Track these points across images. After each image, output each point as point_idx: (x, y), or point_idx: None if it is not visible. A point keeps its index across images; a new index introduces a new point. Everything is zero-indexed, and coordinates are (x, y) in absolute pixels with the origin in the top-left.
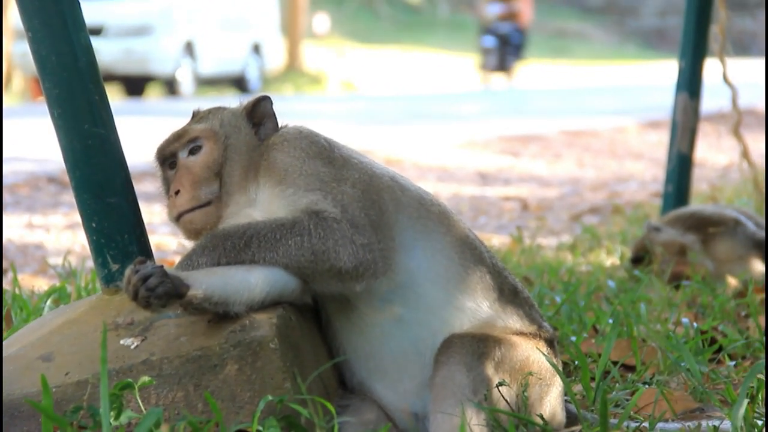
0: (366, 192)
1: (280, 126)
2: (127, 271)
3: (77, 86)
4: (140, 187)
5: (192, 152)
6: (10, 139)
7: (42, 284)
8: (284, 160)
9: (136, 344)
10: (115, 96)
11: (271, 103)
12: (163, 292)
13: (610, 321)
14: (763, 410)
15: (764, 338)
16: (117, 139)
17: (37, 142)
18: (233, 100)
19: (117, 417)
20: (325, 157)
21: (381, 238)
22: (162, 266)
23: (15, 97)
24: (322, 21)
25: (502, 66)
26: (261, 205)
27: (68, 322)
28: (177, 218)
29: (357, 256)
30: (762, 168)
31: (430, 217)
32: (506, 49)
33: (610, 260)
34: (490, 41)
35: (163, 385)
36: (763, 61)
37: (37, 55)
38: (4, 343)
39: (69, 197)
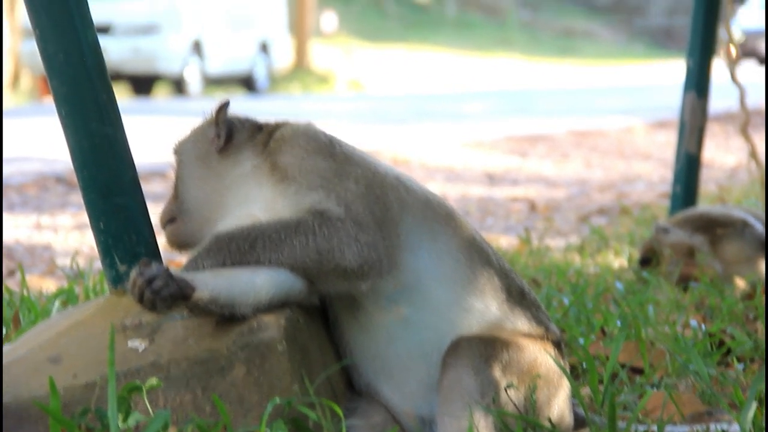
0: (369, 188)
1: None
2: (132, 274)
3: (85, 85)
4: (148, 187)
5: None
6: (18, 139)
7: (50, 285)
8: (284, 159)
9: (143, 346)
10: (122, 95)
11: (226, 108)
12: (168, 294)
13: (618, 323)
14: None
15: (765, 339)
16: (125, 139)
17: (45, 141)
18: (240, 100)
19: (125, 419)
20: (325, 152)
21: (385, 235)
22: (167, 268)
23: (23, 96)
24: (329, 19)
25: None
26: (264, 205)
27: (76, 324)
28: (163, 229)
29: (362, 255)
30: None
31: (436, 218)
32: None
33: (618, 262)
34: None
35: (171, 388)
36: None
37: (45, 54)
38: (12, 345)
39: (77, 197)
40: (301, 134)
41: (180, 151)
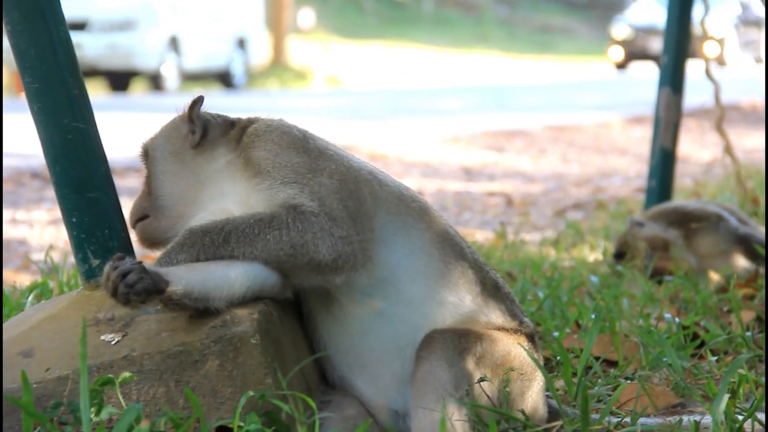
0: (343, 183)
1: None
2: (106, 268)
3: (56, 80)
4: (124, 183)
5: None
6: None
7: (25, 280)
8: (257, 154)
9: (116, 340)
10: (99, 91)
11: (201, 103)
12: (142, 289)
13: (593, 316)
14: (745, 405)
15: (764, 335)
16: (97, 134)
17: (21, 137)
18: (217, 95)
19: (97, 413)
20: (298, 147)
21: (359, 230)
22: (141, 262)
23: None
24: (307, 16)
25: None
26: (238, 199)
27: (49, 318)
28: (133, 227)
29: (336, 249)
30: (745, 163)
31: (409, 212)
32: None
33: (593, 256)
34: None
35: (144, 381)
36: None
37: (17, 50)
38: None
39: (52, 193)
40: (274, 129)
41: (152, 147)
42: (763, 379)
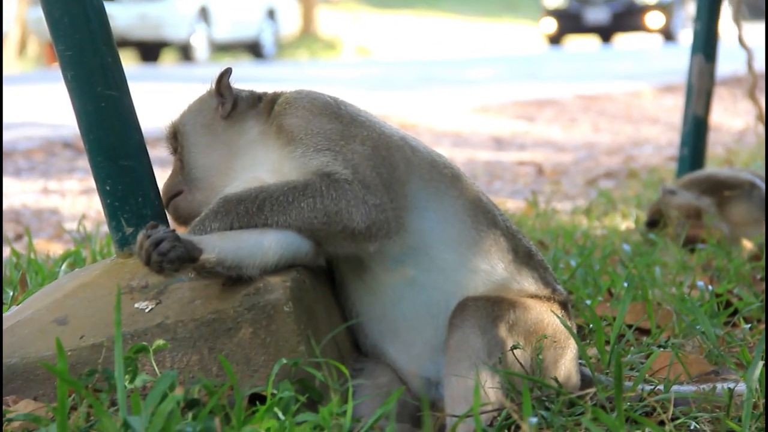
0: (376, 149)
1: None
2: (139, 236)
3: (90, 48)
4: (155, 153)
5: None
6: (25, 105)
7: (57, 249)
8: (289, 121)
9: (150, 307)
10: (129, 61)
11: (229, 75)
12: (175, 257)
13: (625, 284)
14: None
15: (764, 305)
16: (130, 102)
17: (52, 107)
18: (247, 66)
19: (132, 380)
20: (330, 113)
21: (393, 197)
22: (174, 230)
23: (30, 63)
24: None
25: None
26: (271, 168)
27: (82, 286)
28: (166, 206)
29: (370, 217)
30: None
31: (442, 179)
32: None
33: (625, 224)
34: None
35: (178, 349)
36: None
37: (50, 18)
38: (19, 307)
39: (84, 162)
40: (305, 96)
41: (182, 122)
42: None
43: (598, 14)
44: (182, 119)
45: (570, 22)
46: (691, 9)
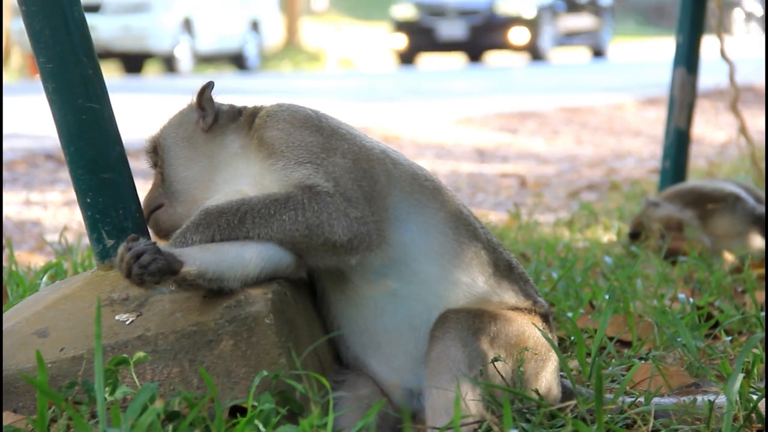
0: (357, 162)
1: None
2: (120, 249)
3: (71, 60)
4: (138, 164)
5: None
6: (7, 116)
7: (39, 261)
8: (270, 134)
9: (131, 320)
10: (113, 73)
11: (211, 88)
12: (156, 269)
13: (607, 297)
14: (759, 385)
15: (765, 313)
16: (111, 114)
17: (34, 119)
18: (230, 77)
19: (112, 392)
20: (311, 126)
21: (374, 210)
22: (155, 243)
23: (13, 74)
24: None
25: None
26: (253, 180)
27: (63, 298)
28: (147, 220)
29: (351, 229)
30: (760, 144)
31: (423, 192)
32: None
33: (607, 236)
34: None
35: (159, 361)
36: (762, 36)
37: (31, 30)
38: None
39: (66, 174)
40: (286, 109)
41: (163, 136)
42: None
43: (453, 29)
44: (163, 133)
45: (422, 38)
46: (566, 23)
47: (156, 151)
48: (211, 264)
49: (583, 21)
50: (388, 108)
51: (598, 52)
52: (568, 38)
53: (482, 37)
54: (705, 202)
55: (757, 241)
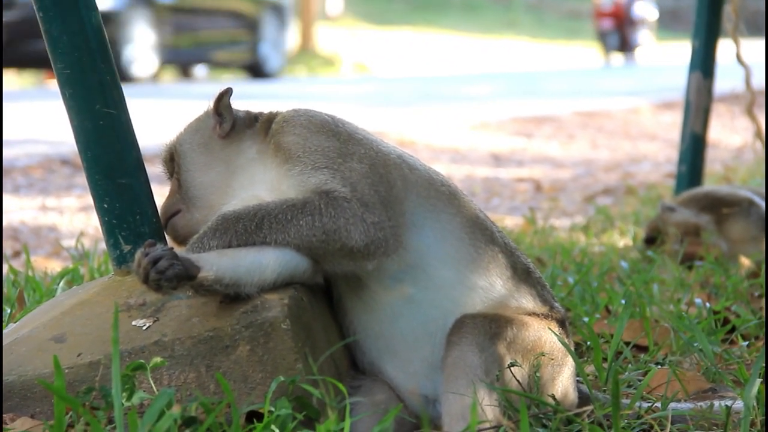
0: (373, 167)
1: (252, 113)
2: (137, 254)
3: (88, 66)
4: (153, 170)
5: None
6: (24, 122)
7: (55, 266)
8: (287, 139)
9: (148, 325)
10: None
11: (229, 95)
12: (173, 275)
13: (623, 301)
14: None
15: (764, 314)
16: (128, 120)
17: (50, 124)
18: (245, 83)
19: (129, 398)
20: (328, 131)
21: (391, 215)
22: (172, 248)
23: (29, 80)
24: (335, 2)
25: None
26: (270, 186)
27: (80, 303)
28: (165, 226)
29: (368, 235)
30: None
31: (439, 197)
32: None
33: (623, 241)
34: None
35: (175, 366)
36: None
37: (49, 36)
38: (16, 324)
39: (82, 179)
40: (302, 114)
41: (179, 143)
42: None
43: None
44: (179, 139)
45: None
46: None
47: (172, 158)
48: (228, 269)
49: None
50: (403, 113)
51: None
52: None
53: None
54: (720, 207)
55: (766, 245)
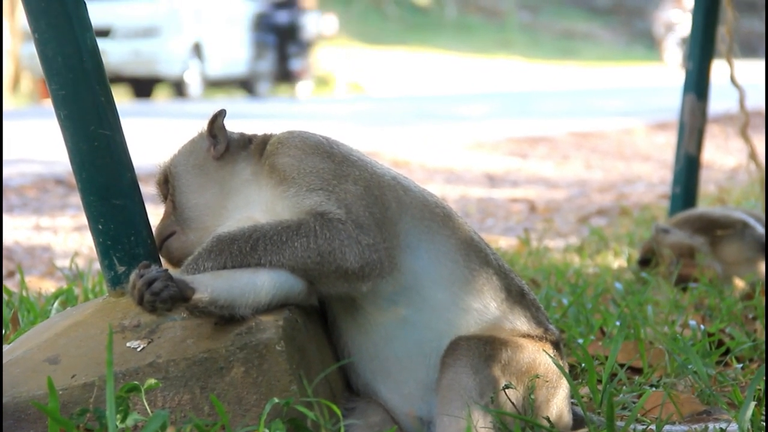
0: (368, 189)
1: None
2: (132, 276)
3: (83, 87)
4: (148, 189)
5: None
6: (18, 141)
7: (49, 286)
8: (282, 161)
9: (142, 347)
10: (123, 98)
11: (223, 116)
12: (168, 296)
13: (618, 323)
14: None
15: (765, 333)
16: (123, 141)
17: (44, 143)
18: (240, 102)
19: (123, 420)
20: (322, 152)
21: (386, 237)
22: (167, 270)
23: (23, 99)
24: (329, 22)
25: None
26: (264, 207)
27: (75, 325)
28: (159, 248)
29: (363, 257)
30: None
31: (434, 218)
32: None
33: (618, 262)
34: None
35: (170, 388)
36: None
37: (44, 57)
38: (10, 345)
39: (76, 199)
40: (297, 136)
41: (174, 164)
42: None
43: None
44: (173, 161)
45: None
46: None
47: (167, 181)
48: (223, 291)
49: None
50: (397, 132)
51: None
52: None
53: None
54: (714, 229)
55: (765, 267)
